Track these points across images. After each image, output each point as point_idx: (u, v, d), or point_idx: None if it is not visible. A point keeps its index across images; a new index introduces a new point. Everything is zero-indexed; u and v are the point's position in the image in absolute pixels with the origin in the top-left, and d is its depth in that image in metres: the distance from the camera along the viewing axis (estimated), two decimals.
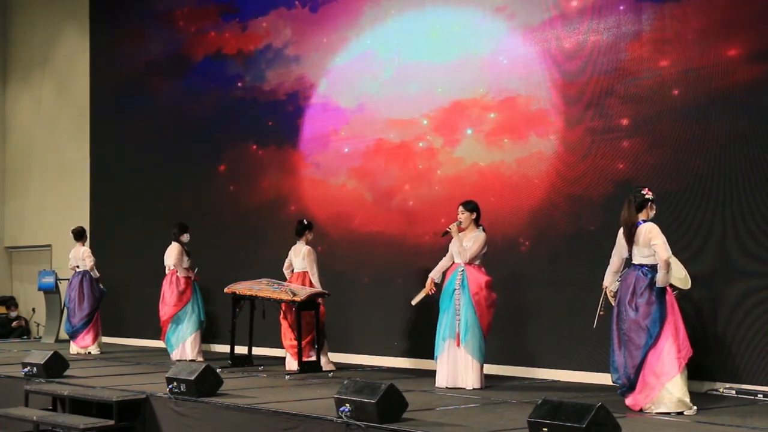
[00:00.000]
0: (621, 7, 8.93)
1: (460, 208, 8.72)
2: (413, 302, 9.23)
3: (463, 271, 8.55)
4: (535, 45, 9.63)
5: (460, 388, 8.43)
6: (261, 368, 10.41)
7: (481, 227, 8.70)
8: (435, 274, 8.94)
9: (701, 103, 8.39)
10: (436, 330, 8.66)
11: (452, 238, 8.71)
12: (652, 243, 6.96)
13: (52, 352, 9.63)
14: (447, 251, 8.83)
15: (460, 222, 8.69)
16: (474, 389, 8.39)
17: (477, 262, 8.62)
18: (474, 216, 8.69)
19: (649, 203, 7.15)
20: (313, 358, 10.15)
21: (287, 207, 12.19)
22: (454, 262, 8.70)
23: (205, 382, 7.95)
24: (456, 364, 8.50)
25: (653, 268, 6.99)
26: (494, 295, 8.60)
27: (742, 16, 8.19)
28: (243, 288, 10.59)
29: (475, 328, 8.44)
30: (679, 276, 7.34)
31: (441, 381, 8.60)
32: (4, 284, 17.91)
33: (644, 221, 7.10)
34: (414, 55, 10.88)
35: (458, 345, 8.46)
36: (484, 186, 9.99)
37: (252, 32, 12.92)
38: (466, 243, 8.61)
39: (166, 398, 8.07)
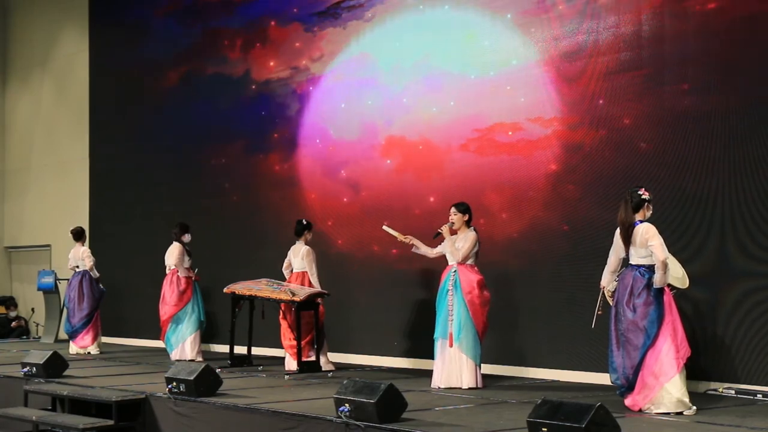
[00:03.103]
0: (620, 7, 8.94)
1: (453, 210, 8.75)
2: (384, 225, 9.45)
3: (455, 271, 8.58)
4: (535, 45, 9.63)
5: (456, 388, 8.44)
6: (260, 368, 10.41)
7: (472, 228, 8.72)
8: (417, 243, 9.09)
9: (701, 103, 8.38)
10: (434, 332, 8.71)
11: (443, 239, 8.75)
12: (649, 244, 6.96)
13: (51, 352, 9.64)
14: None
15: (453, 223, 8.71)
16: (470, 388, 8.40)
17: (470, 262, 8.64)
18: (466, 218, 8.72)
19: (646, 203, 7.14)
20: (313, 358, 10.16)
21: (287, 207, 12.18)
22: (448, 264, 8.72)
23: (205, 382, 7.95)
24: (450, 364, 8.51)
25: (651, 269, 6.99)
26: (488, 294, 8.61)
27: (741, 19, 8.21)
28: (242, 288, 10.60)
29: (468, 328, 8.45)
30: (677, 275, 7.35)
31: (435, 381, 8.62)
32: (3, 284, 17.91)
33: (641, 221, 7.10)
34: (412, 56, 10.87)
35: (450, 345, 8.47)
36: (484, 186, 9.99)
37: (254, 32, 12.91)
38: (458, 243, 8.63)
39: (165, 398, 8.07)
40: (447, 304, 8.55)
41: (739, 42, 8.18)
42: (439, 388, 8.52)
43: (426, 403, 7.50)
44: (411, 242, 9.14)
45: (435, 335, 8.65)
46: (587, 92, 9.18)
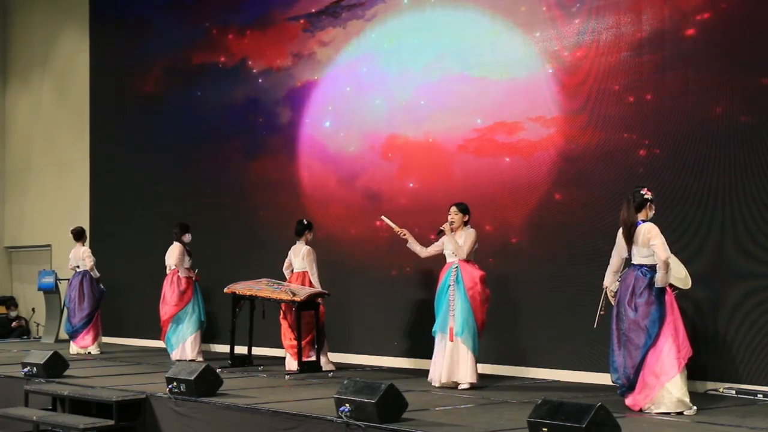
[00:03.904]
0: (621, 8, 8.94)
1: (453, 209, 8.75)
2: (383, 216, 9.47)
3: (457, 267, 8.57)
4: (536, 45, 9.63)
5: (455, 383, 8.42)
6: (261, 368, 10.41)
7: (469, 226, 8.73)
8: (411, 240, 9.08)
9: (701, 102, 8.39)
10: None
11: (441, 238, 8.75)
12: (651, 243, 6.97)
13: (52, 352, 9.64)
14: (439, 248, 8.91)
15: (453, 222, 8.70)
16: (470, 383, 8.39)
17: (471, 258, 8.64)
18: (466, 218, 8.73)
19: (648, 203, 7.15)
20: (313, 358, 10.15)
21: (287, 207, 12.18)
22: (447, 262, 8.71)
23: (205, 382, 7.95)
24: (450, 359, 8.47)
25: (652, 269, 7.00)
26: (488, 291, 8.62)
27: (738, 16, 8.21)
28: (243, 288, 10.60)
29: (470, 322, 8.45)
30: (679, 276, 7.35)
31: (434, 376, 8.58)
32: (4, 284, 17.91)
33: (643, 221, 7.11)
34: (412, 55, 10.87)
35: (451, 339, 8.45)
36: (484, 185, 9.98)
37: (256, 32, 12.91)
38: (460, 240, 8.64)
39: (166, 398, 8.07)
40: (448, 299, 8.53)
41: (740, 42, 8.17)
42: (440, 383, 8.48)
43: (426, 403, 7.50)
44: (405, 236, 9.14)
45: (434, 329, 8.63)
46: (589, 92, 9.17)
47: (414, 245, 9.12)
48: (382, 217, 9.55)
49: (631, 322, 6.99)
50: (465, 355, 8.46)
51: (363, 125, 11.38)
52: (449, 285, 8.56)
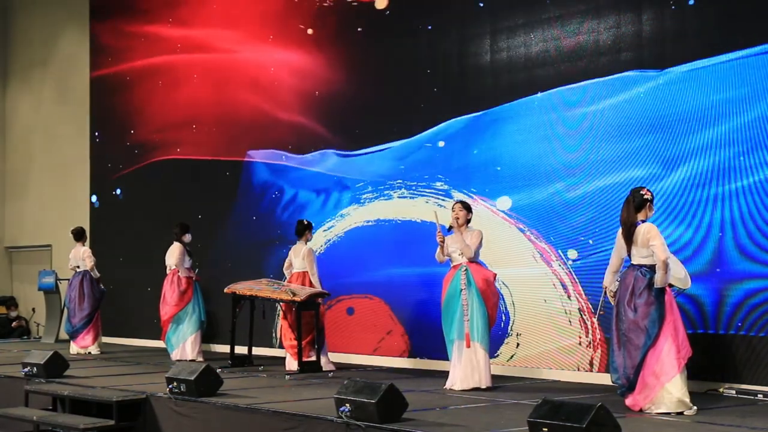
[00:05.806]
0: (621, 7, 8.95)
1: (458, 206, 8.68)
2: (437, 214, 8.85)
3: (466, 270, 8.48)
4: (535, 45, 9.64)
5: (474, 388, 8.33)
6: (261, 368, 10.42)
7: (472, 227, 8.70)
8: (441, 247, 8.62)
9: (700, 102, 8.39)
10: (444, 333, 8.57)
11: (445, 240, 8.67)
12: (650, 243, 6.97)
13: (52, 352, 9.64)
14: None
15: (458, 218, 8.65)
16: (486, 387, 8.35)
17: (478, 259, 8.61)
18: (470, 216, 8.70)
19: (648, 203, 7.15)
20: (313, 358, 10.15)
21: (287, 206, 12.18)
22: (452, 265, 8.62)
23: (205, 382, 7.95)
24: (470, 365, 8.37)
25: (652, 269, 6.99)
26: (498, 291, 8.58)
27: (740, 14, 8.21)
28: (243, 288, 10.60)
29: (486, 323, 8.38)
30: (679, 276, 7.34)
31: (454, 383, 8.43)
32: (4, 284, 17.91)
33: (643, 221, 7.11)
34: (411, 54, 10.87)
35: (468, 345, 8.36)
36: (485, 185, 9.98)
37: (255, 31, 12.91)
38: (467, 240, 8.58)
39: (166, 398, 8.07)
40: (461, 303, 8.39)
41: (738, 33, 8.18)
42: (460, 389, 8.34)
43: (427, 403, 7.50)
44: (441, 242, 8.68)
45: (450, 337, 8.46)
46: (588, 92, 9.18)
47: (440, 252, 8.68)
48: (435, 213, 9.22)
49: (630, 323, 6.99)
50: (482, 359, 8.40)
51: (363, 126, 11.37)
52: (461, 289, 8.42)
